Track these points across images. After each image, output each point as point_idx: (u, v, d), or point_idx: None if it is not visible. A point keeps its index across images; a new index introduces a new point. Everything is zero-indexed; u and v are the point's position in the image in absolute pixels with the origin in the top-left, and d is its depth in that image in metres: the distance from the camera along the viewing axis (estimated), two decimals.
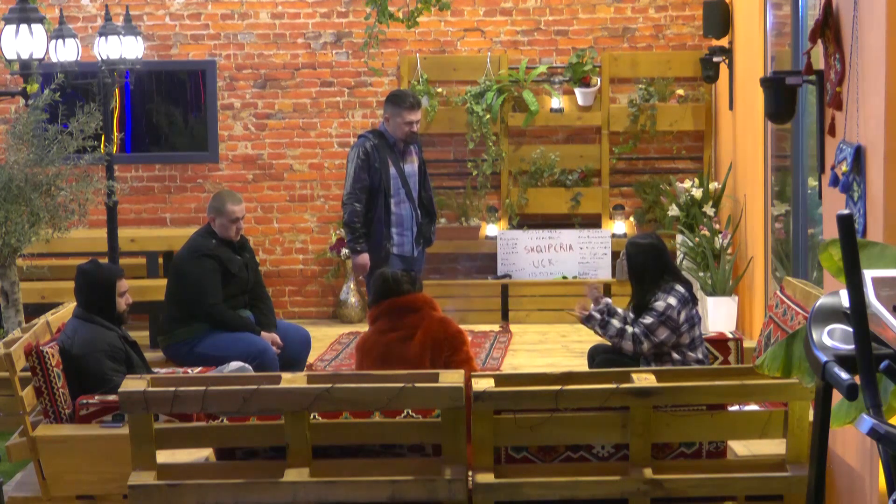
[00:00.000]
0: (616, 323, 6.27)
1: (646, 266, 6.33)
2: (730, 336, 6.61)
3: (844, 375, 3.16)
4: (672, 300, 6.20)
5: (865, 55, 4.46)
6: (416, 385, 4.68)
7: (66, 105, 7.58)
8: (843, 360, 3.25)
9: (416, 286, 5.88)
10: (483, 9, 10.54)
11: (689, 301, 6.26)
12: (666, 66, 10.39)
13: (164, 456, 4.92)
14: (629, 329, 6.22)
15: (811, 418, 3.91)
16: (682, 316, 6.20)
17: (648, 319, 6.19)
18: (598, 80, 10.36)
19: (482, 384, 4.73)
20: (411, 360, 5.56)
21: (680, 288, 6.27)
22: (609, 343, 6.50)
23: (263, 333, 7.30)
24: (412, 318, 5.74)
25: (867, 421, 3.01)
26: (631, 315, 6.41)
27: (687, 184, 9.82)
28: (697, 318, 6.31)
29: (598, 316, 6.32)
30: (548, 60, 10.53)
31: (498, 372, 6.67)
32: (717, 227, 9.41)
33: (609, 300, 6.52)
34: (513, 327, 10.07)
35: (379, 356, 5.68)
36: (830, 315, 3.44)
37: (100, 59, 8.43)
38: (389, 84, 10.42)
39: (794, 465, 4.78)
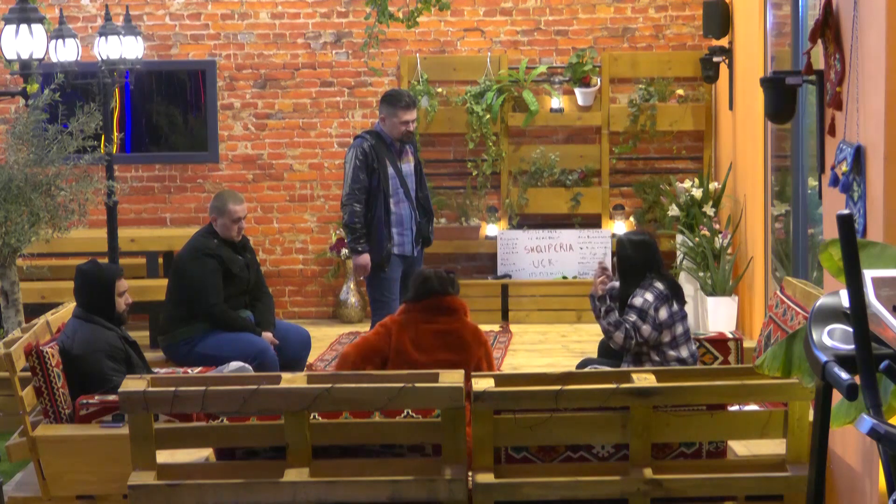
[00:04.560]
0: (617, 314, 6.27)
1: (630, 261, 6.32)
2: (730, 336, 6.61)
3: (844, 375, 3.16)
4: (649, 296, 6.18)
5: (865, 55, 4.46)
6: (416, 385, 4.69)
7: (66, 105, 7.58)
8: (843, 360, 3.25)
9: (455, 288, 5.88)
10: (483, 9, 10.54)
11: (669, 298, 6.21)
12: (666, 66, 10.39)
13: (164, 456, 4.92)
14: (626, 323, 6.21)
15: (811, 418, 3.92)
16: (662, 313, 6.17)
17: (632, 318, 6.18)
18: (598, 80, 10.36)
19: (482, 384, 4.73)
20: (442, 358, 5.54)
21: (659, 285, 6.22)
22: (603, 334, 6.46)
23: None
24: (450, 320, 5.75)
25: (867, 421, 3.01)
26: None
27: (687, 184, 9.82)
28: (680, 315, 6.26)
29: (608, 301, 6.30)
30: (548, 60, 10.53)
31: (498, 372, 6.67)
32: (717, 227, 9.41)
33: (617, 284, 6.49)
34: (513, 327, 10.07)
35: (411, 339, 5.68)
36: (830, 315, 3.44)
37: (100, 59, 8.43)
38: (389, 84, 10.42)
39: (794, 465, 4.79)
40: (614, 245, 10.31)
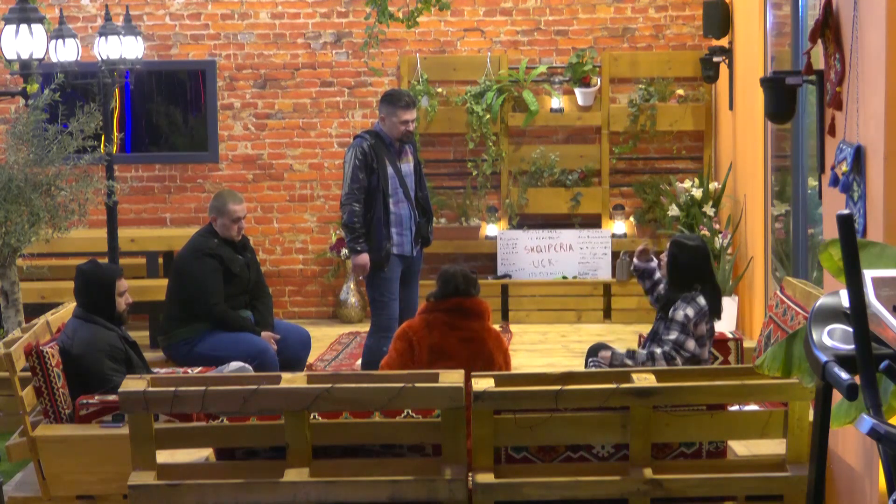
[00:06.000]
0: (642, 351, 6.13)
1: (680, 266, 6.17)
2: (730, 336, 6.60)
3: (844, 375, 3.16)
4: (690, 311, 6.05)
5: (865, 55, 4.46)
6: (416, 385, 4.69)
7: (66, 105, 7.58)
8: (843, 360, 3.25)
9: (477, 289, 5.87)
10: (483, 9, 10.54)
11: (707, 315, 6.11)
12: (666, 66, 10.39)
13: (164, 456, 4.92)
14: (657, 350, 6.05)
15: (811, 418, 3.92)
16: (700, 329, 6.09)
17: (673, 334, 6.05)
18: (598, 80, 10.36)
19: (482, 384, 4.73)
20: (463, 363, 5.53)
21: (701, 300, 6.09)
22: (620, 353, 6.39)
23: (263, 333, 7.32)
24: (474, 324, 5.74)
25: (867, 421, 3.01)
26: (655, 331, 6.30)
27: (687, 184, 9.82)
28: (709, 334, 6.18)
29: (620, 352, 6.19)
30: (548, 60, 10.53)
31: (498, 372, 6.66)
32: (717, 227, 9.41)
33: (654, 264, 6.45)
34: (513, 327, 10.07)
35: (435, 344, 5.67)
36: (830, 315, 3.44)
37: (100, 59, 8.43)
38: (389, 84, 10.42)
39: (794, 465, 4.79)
40: (614, 245, 10.34)
